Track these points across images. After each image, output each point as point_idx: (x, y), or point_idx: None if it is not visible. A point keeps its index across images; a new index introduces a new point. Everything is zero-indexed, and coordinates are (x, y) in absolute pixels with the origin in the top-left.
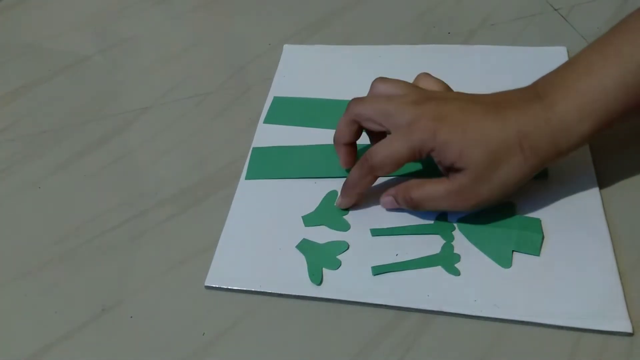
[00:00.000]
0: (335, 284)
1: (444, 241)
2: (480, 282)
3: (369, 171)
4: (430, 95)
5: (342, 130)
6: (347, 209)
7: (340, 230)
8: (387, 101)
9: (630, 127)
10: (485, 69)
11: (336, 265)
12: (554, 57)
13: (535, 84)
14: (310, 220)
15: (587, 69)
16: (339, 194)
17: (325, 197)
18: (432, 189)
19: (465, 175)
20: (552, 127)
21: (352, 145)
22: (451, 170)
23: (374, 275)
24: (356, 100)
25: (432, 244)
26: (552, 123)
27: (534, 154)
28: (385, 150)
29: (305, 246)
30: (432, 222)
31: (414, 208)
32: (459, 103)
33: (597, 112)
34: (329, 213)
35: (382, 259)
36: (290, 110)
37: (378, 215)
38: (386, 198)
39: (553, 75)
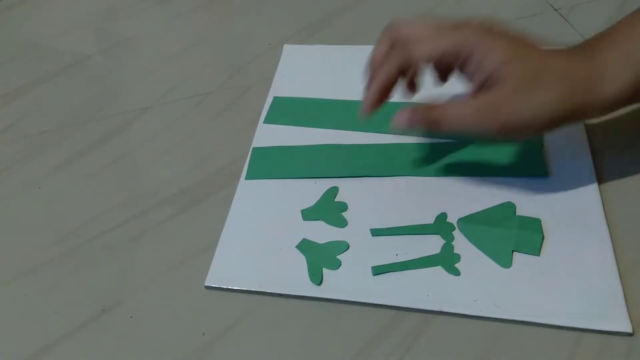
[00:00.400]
0: (335, 284)
1: (444, 241)
2: (480, 282)
3: (398, 47)
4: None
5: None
6: (345, 208)
7: (338, 227)
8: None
9: (630, 127)
10: None
11: (336, 265)
12: None
13: (577, 45)
14: (308, 214)
15: (630, 25)
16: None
17: (325, 192)
18: (457, 106)
19: (502, 87)
20: (592, 73)
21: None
22: (484, 85)
23: (374, 275)
24: (410, 44)
25: (432, 244)
26: (593, 68)
27: (572, 92)
28: (423, 36)
29: (305, 246)
30: (432, 222)
31: (433, 126)
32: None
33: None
34: (327, 209)
35: (382, 259)
36: (290, 110)
37: (378, 215)
38: (401, 114)
39: (595, 36)
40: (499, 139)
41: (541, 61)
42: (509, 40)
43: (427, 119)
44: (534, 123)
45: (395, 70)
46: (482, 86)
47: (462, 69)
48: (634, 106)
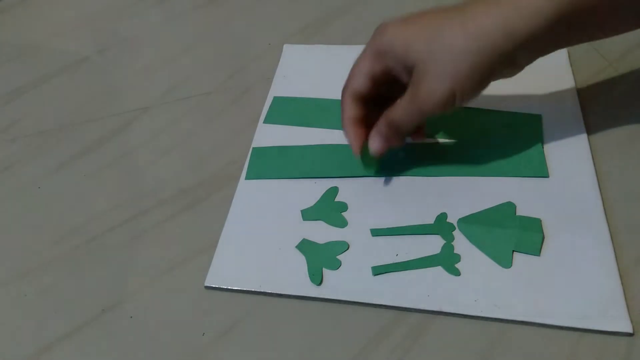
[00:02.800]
0: (335, 284)
1: (444, 241)
2: (480, 282)
3: (345, 90)
4: None
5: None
6: (345, 208)
7: (338, 227)
8: None
9: (630, 127)
10: None
11: (336, 265)
12: (553, 56)
13: None
14: (308, 214)
15: None
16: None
17: (325, 192)
18: (402, 104)
19: (417, 72)
20: (500, 8)
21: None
22: (408, 74)
23: (374, 275)
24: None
25: (432, 244)
26: (502, 3)
27: (480, 33)
28: (350, 71)
29: (305, 246)
30: (432, 222)
31: (400, 131)
32: (416, 12)
33: None
34: (327, 209)
35: (382, 259)
36: (290, 110)
37: (378, 215)
38: (373, 140)
39: None
40: (444, 112)
41: (439, 25)
42: (404, 24)
43: (392, 130)
44: (464, 84)
45: (352, 114)
46: (410, 74)
47: (391, 74)
48: (634, 106)
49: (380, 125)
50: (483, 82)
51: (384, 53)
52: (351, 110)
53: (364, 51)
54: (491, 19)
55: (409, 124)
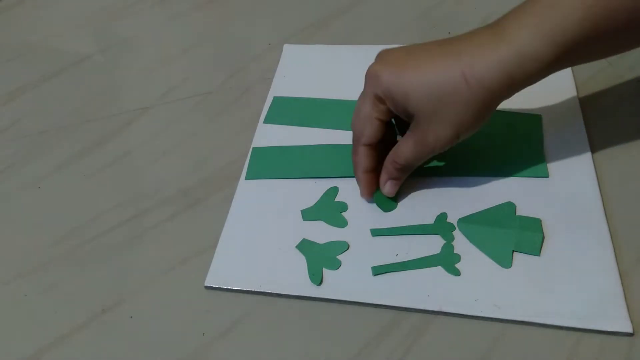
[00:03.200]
0: (335, 284)
1: (444, 241)
2: (480, 282)
3: (354, 141)
4: (394, 47)
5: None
6: (345, 208)
7: (338, 227)
8: None
9: (630, 127)
10: None
11: (336, 265)
12: None
13: (498, 19)
14: (308, 214)
15: None
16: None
17: (325, 192)
18: (406, 148)
19: (418, 120)
20: (501, 55)
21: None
22: (410, 118)
23: (374, 275)
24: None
25: (432, 244)
26: (501, 50)
27: (481, 87)
28: (354, 114)
29: (305, 246)
30: (432, 222)
31: (409, 170)
32: (409, 48)
33: (554, 33)
34: (327, 209)
35: (382, 259)
36: (290, 110)
37: (378, 215)
38: (386, 185)
39: (514, 8)
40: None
41: (437, 75)
42: (400, 70)
43: (401, 172)
44: (466, 131)
45: (368, 166)
46: (409, 117)
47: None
48: (634, 106)
49: (391, 169)
50: (485, 120)
51: (383, 100)
52: (367, 162)
53: (364, 98)
54: (491, 71)
55: (418, 163)
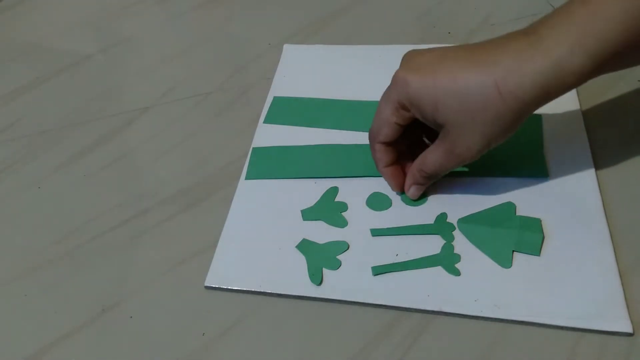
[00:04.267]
0: (335, 284)
1: (444, 241)
2: (480, 282)
3: (371, 138)
4: (422, 50)
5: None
6: (345, 208)
7: (338, 227)
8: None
9: (630, 126)
10: None
11: (336, 265)
12: None
13: (532, 24)
14: (308, 214)
15: (582, 1)
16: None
17: (325, 192)
18: (434, 157)
19: (448, 130)
20: (537, 66)
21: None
22: (438, 127)
23: (374, 275)
24: None
25: (432, 244)
26: (537, 62)
27: (514, 98)
28: (376, 112)
29: (305, 246)
30: (432, 222)
31: (436, 178)
32: (440, 52)
33: (595, 47)
34: (327, 209)
35: (382, 259)
36: (290, 110)
37: (378, 215)
38: (411, 190)
39: (549, 14)
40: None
41: (469, 83)
42: (431, 78)
43: (427, 180)
44: (496, 141)
45: (387, 161)
46: (437, 126)
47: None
48: (634, 106)
49: (417, 177)
50: (514, 131)
51: (408, 107)
52: (385, 158)
53: (387, 101)
54: (526, 83)
55: (445, 173)
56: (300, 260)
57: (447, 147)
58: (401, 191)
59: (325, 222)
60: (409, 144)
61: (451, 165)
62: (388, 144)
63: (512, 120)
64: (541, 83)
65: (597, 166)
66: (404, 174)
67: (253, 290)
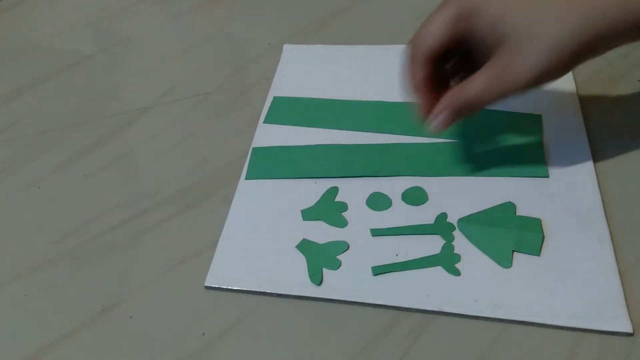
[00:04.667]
0: (335, 284)
1: (444, 241)
2: (480, 282)
3: (410, 51)
4: None
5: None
6: (345, 208)
7: (338, 227)
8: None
9: (630, 127)
10: None
11: (336, 265)
12: None
13: None
14: (308, 214)
15: None
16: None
17: (325, 192)
18: (478, 81)
19: (509, 43)
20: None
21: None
22: (495, 45)
23: (374, 275)
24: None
25: (432, 244)
26: None
27: (592, 9)
28: (422, 26)
29: (305, 246)
30: (432, 222)
31: (475, 110)
32: None
33: None
34: (327, 209)
35: (382, 259)
36: (290, 110)
37: (378, 215)
38: (441, 114)
39: None
40: (526, 92)
41: (545, 2)
42: None
43: (466, 108)
44: (557, 62)
45: (428, 73)
46: (493, 45)
47: (466, 40)
48: (634, 106)
49: (453, 100)
50: (574, 65)
51: (469, 16)
52: (422, 72)
53: (443, 10)
54: (612, 2)
55: (489, 102)
56: (300, 260)
57: (496, 70)
58: (427, 116)
59: (325, 222)
60: (442, 82)
61: (493, 94)
62: (432, 58)
63: (585, 43)
64: (623, 6)
65: (597, 166)
66: (433, 105)
67: (253, 290)
